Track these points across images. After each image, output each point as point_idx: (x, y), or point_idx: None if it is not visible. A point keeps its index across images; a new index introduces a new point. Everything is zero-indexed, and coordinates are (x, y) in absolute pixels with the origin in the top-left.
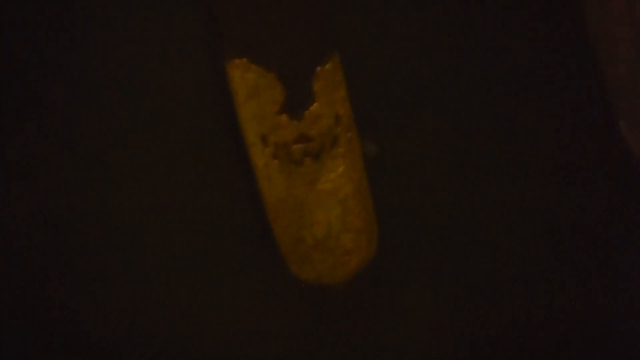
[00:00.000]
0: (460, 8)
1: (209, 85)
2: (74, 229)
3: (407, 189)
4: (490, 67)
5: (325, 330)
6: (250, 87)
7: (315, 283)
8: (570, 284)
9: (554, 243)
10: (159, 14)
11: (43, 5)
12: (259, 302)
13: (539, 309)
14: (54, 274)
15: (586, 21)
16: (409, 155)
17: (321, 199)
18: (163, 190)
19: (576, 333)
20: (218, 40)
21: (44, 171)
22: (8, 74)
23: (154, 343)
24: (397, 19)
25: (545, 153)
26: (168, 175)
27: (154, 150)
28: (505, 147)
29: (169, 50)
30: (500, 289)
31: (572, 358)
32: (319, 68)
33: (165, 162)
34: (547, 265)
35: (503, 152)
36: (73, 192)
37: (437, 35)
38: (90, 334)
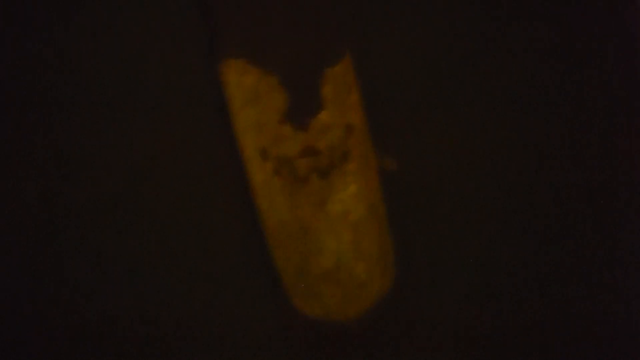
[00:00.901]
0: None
1: (200, 90)
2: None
3: (429, 211)
4: (523, 71)
5: None
6: (248, 92)
7: (323, 320)
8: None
9: (589, 281)
10: (145, 9)
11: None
12: (256, 342)
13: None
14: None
15: None
16: (433, 172)
17: (330, 223)
18: (146, 213)
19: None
20: (211, 38)
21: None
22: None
23: None
24: (420, 13)
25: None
26: (153, 192)
27: (135, 168)
28: (540, 168)
29: (155, 51)
30: (534, 324)
31: None
32: (328, 70)
33: (148, 179)
34: (579, 307)
35: (538, 173)
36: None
37: (468, 30)
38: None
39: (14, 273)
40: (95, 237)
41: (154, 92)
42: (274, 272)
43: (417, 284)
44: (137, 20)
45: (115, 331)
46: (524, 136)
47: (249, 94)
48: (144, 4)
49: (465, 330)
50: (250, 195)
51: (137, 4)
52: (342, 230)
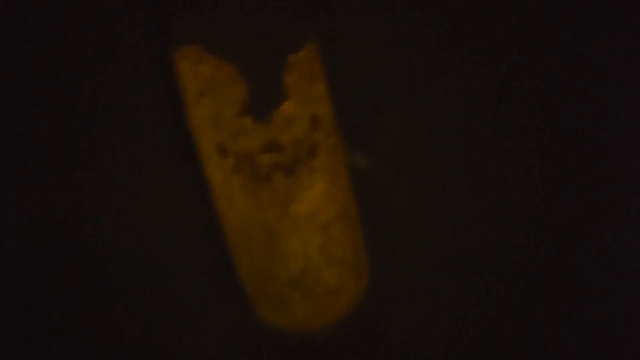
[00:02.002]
0: None
1: (153, 80)
2: None
3: (404, 210)
4: (495, 63)
5: None
6: (204, 82)
7: (290, 331)
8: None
9: (561, 275)
10: None
11: None
12: (219, 356)
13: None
14: None
15: None
16: (407, 168)
17: (296, 225)
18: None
19: None
20: (163, 24)
21: None
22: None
23: None
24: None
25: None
26: (107, 192)
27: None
28: (514, 158)
29: (104, 39)
30: (508, 330)
31: None
32: (291, 57)
33: (99, 176)
34: (553, 301)
35: (513, 164)
36: None
37: (439, 18)
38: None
39: None
40: (47, 243)
41: (103, 84)
42: (236, 279)
43: (393, 291)
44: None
45: (73, 340)
46: (500, 130)
47: (205, 85)
48: None
49: (446, 337)
50: (209, 195)
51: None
52: (309, 233)
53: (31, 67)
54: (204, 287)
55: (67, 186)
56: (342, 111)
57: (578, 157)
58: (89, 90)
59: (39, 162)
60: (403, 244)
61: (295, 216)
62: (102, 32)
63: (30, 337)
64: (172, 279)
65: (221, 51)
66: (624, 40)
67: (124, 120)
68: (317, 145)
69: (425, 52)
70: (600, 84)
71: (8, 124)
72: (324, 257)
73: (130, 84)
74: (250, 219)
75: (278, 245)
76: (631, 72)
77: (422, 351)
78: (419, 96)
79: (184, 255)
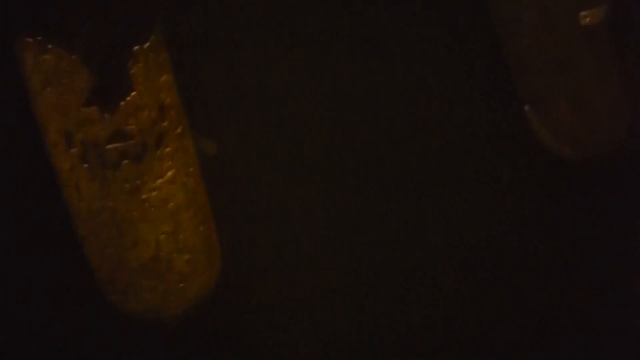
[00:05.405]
0: None
1: None
2: None
3: (254, 195)
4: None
5: None
6: (49, 72)
7: (142, 316)
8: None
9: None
10: None
11: None
12: (73, 342)
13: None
14: None
15: None
16: (256, 154)
17: (146, 212)
18: None
19: None
20: (3, 15)
21: None
22: None
23: None
24: None
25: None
26: None
27: None
28: (389, 149)
29: None
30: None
31: None
32: (137, 47)
33: None
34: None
35: (389, 155)
36: None
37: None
38: None
39: None
40: None
41: None
42: (87, 266)
43: (246, 277)
44: None
45: None
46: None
47: (49, 75)
48: None
49: (299, 329)
50: (58, 183)
51: None
52: (159, 220)
53: None
54: (56, 275)
55: None
56: (190, 100)
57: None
58: None
59: None
60: (255, 229)
61: (145, 203)
62: None
63: None
64: (24, 267)
65: (64, 42)
66: None
67: None
68: (165, 133)
69: (274, 41)
70: None
71: None
72: (174, 243)
73: None
74: (99, 207)
75: (128, 233)
76: None
77: (274, 336)
78: (266, 85)
79: (35, 244)
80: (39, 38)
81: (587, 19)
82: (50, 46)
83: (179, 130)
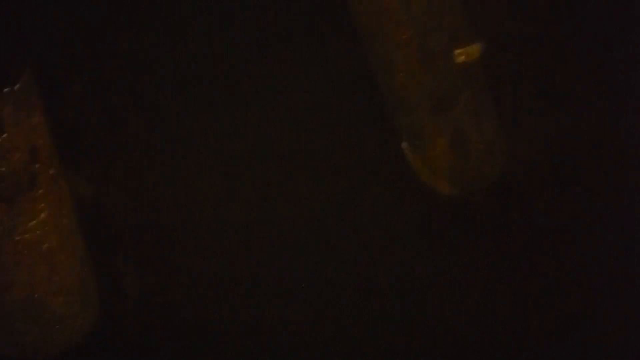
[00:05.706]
0: None
1: None
2: None
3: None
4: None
5: None
6: None
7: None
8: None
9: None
10: None
11: None
12: None
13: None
14: None
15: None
16: (134, 192)
17: (20, 254)
18: None
19: None
20: None
21: None
22: None
23: None
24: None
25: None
26: None
27: None
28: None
29: None
30: None
31: None
32: (7, 89)
33: None
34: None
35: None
36: None
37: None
38: None
39: None
40: None
41: None
42: None
43: (129, 317)
44: None
45: None
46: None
47: None
48: None
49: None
50: None
51: None
52: (34, 262)
53: None
54: None
55: None
56: (64, 141)
57: None
58: None
59: None
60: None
61: (19, 245)
62: None
63: None
64: None
65: None
66: None
67: None
68: (37, 175)
69: (147, 85)
70: None
71: None
72: (49, 285)
73: None
74: None
75: (3, 275)
76: None
77: None
78: (141, 127)
79: None
80: None
81: (462, 57)
82: None
83: (51, 171)
